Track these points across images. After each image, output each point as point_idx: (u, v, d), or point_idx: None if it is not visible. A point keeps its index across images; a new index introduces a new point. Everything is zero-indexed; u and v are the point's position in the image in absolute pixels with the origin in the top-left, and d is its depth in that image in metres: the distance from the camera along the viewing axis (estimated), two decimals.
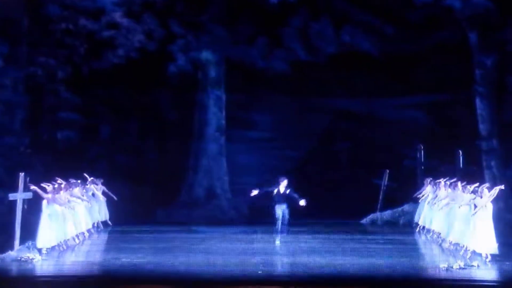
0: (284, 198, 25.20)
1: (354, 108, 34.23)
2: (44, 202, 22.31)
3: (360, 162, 33.01)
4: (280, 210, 25.23)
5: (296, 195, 25.14)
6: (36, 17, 30.59)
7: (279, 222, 25.25)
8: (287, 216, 25.35)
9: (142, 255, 21.93)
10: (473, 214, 21.43)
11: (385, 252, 22.87)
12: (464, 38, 31.38)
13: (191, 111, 32.75)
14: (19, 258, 20.97)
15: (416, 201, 28.41)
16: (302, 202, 24.97)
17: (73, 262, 21.65)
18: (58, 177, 23.81)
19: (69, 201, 23.27)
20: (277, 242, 24.56)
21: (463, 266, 20.16)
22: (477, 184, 22.69)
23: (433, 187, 26.54)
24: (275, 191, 25.24)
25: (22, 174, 22.46)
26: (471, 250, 21.48)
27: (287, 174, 26.17)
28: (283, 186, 25.23)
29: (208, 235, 26.36)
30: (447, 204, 23.82)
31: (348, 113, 34.14)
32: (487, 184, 22.53)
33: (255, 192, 25.42)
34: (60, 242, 22.76)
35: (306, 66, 32.48)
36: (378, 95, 33.82)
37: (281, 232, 25.26)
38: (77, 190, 24.85)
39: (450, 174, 26.96)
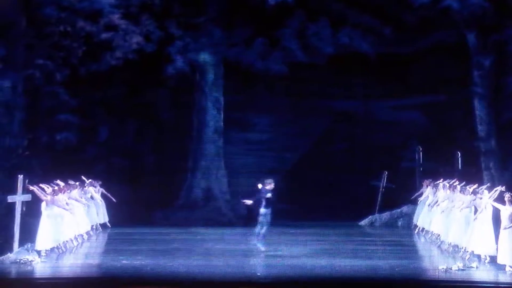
0: (270, 202, 23.26)
1: (352, 110, 34.21)
2: (43, 204, 22.31)
3: (358, 163, 32.98)
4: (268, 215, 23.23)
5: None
6: (33, 19, 30.51)
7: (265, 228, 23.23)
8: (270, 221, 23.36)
9: (141, 257, 21.93)
10: (475, 219, 21.43)
11: (384, 254, 22.88)
12: (462, 39, 31.41)
13: (189, 112, 32.71)
14: (18, 260, 20.96)
15: (414, 202, 28.45)
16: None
17: (72, 264, 21.66)
18: (57, 179, 23.83)
19: (67, 203, 23.25)
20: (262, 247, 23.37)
21: (462, 268, 20.19)
22: (476, 186, 22.74)
23: (432, 188, 26.57)
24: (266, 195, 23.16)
25: (20, 176, 22.44)
26: (470, 251, 21.50)
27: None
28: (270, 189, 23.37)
29: (207, 236, 26.36)
30: (447, 205, 23.84)
31: (346, 115, 34.11)
32: (487, 185, 22.58)
33: (248, 202, 23.57)
34: (59, 244, 22.76)
35: (304, 67, 32.45)
36: (376, 97, 33.80)
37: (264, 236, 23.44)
38: (75, 192, 24.86)
39: (448, 175, 26.99)
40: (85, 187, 26.44)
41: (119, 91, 32.43)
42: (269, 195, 23.07)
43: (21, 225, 22.14)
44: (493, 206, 20.90)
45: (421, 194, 27.83)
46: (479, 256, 21.23)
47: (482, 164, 31.10)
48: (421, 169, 30.97)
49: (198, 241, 25.38)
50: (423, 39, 32.59)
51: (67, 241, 23.34)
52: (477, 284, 18.92)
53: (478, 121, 31.27)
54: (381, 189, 30.92)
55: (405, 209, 29.76)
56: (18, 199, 22.27)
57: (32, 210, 22.96)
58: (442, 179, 26.11)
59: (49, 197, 22.32)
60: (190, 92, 32.73)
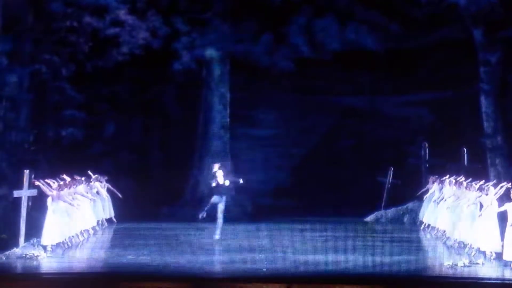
0: (223, 189, 23.76)
1: (358, 105, 34.21)
2: (49, 199, 22.33)
3: (364, 159, 32.97)
4: (220, 204, 23.73)
5: (235, 179, 23.98)
6: (40, 14, 30.55)
7: (221, 216, 23.68)
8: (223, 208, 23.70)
9: (147, 252, 21.95)
10: (480, 215, 21.40)
11: (390, 250, 22.86)
12: (469, 35, 31.35)
13: (195, 108, 32.73)
14: (24, 255, 20.98)
15: (420, 199, 28.41)
16: (241, 180, 24.01)
17: (78, 259, 21.69)
18: (63, 174, 23.85)
19: (73, 198, 23.28)
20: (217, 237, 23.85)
21: (467, 264, 20.18)
22: (482, 182, 22.69)
23: (438, 185, 26.53)
24: (214, 183, 23.82)
25: (26, 171, 22.47)
26: (475, 248, 21.48)
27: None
28: (220, 176, 23.86)
29: (213, 232, 26.31)
30: (453, 201, 23.82)
31: (352, 111, 34.11)
32: (493, 182, 22.53)
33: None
34: (65, 239, 22.77)
35: (310, 63, 32.41)
36: (383, 93, 33.80)
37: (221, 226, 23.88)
38: (81, 187, 24.87)
39: (454, 171, 26.96)
40: (91, 182, 26.44)
41: (125, 86, 32.50)
42: (213, 184, 23.68)
43: (27, 220, 22.16)
44: (499, 203, 20.87)
45: (427, 191, 27.79)
46: (484, 253, 21.20)
47: (488, 161, 31.06)
48: (427, 165, 30.92)
49: (203, 236, 25.35)
50: (430, 35, 32.55)
51: (73, 236, 23.35)
52: (482, 281, 18.88)
53: (484, 117, 31.22)
54: (387, 185, 30.87)
55: (411, 205, 29.71)
56: (24, 194, 22.31)
57: (38, 205, 23.00)
58: (448, 176, 26.07)
59: (55, 192, 22.34)
60: (197, 88, 32.73)
